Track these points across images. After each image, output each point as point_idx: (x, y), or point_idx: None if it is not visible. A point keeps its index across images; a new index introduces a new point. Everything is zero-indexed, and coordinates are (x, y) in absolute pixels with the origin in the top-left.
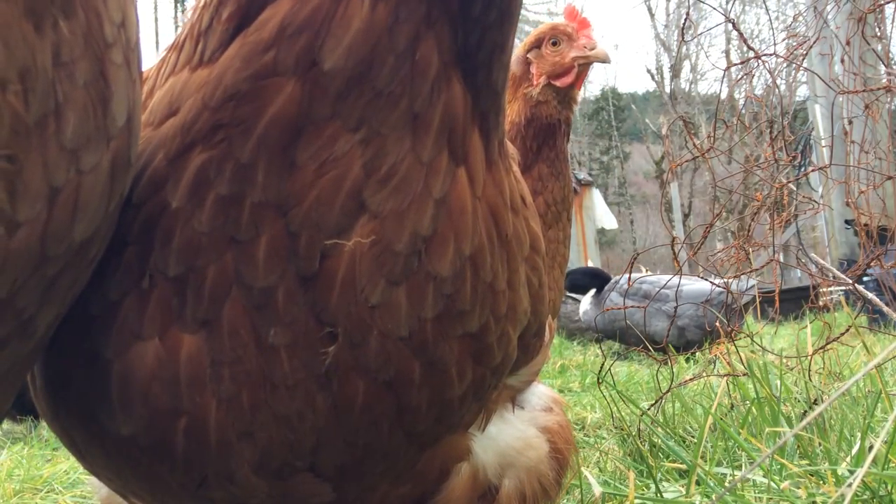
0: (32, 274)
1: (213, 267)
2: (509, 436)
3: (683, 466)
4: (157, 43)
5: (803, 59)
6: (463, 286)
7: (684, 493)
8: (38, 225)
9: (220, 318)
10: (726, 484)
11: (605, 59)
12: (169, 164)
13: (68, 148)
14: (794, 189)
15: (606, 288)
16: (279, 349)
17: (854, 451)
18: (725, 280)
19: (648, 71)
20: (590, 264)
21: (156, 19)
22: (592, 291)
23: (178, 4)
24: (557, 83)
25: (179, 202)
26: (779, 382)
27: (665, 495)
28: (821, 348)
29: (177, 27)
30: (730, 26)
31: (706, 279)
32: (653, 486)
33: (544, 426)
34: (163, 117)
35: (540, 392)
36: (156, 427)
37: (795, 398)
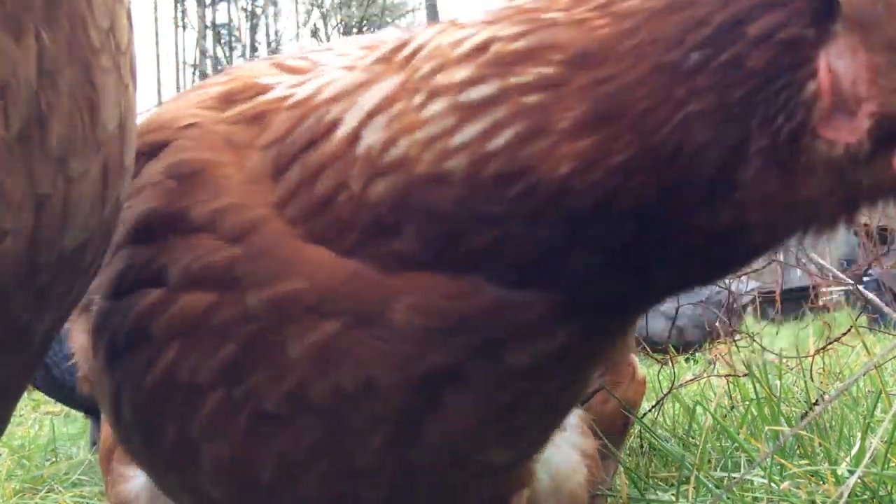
0: (23, 282)
1: (319, 432)
2: (559, 460)
3: (680, 473)
4: (157, 43)
5: None
6: None
7: (677, 498)
8: (24, 234)
9: (313, 468)
10: (724, 484)
11: None
12: (301, 307)
13: (54, 156)
14: None
15: None
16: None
17: (854, 451)
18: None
19: None
20: None
21: (156, 19)
22: None
23: (178, 4)
24: None
25: (298, 356)
26: (779, 382)
27: (664, 497)
28: (821, 349)
29: (177, 27)
30: None
31: None
32: (650, 491)
33: (583, 450)
34: None
35: (576, 412)
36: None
37: (795, 398)
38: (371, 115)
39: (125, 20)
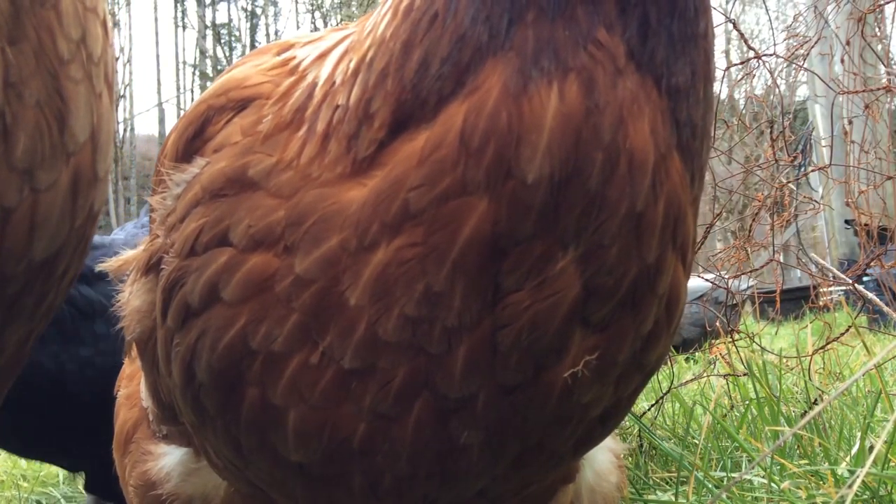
0: None
1: (401, 370)
2: (600, 459)
3: (679, 473)
4: (156, 43)
5: (804, 60)
6: (658, 363)
7: (676, 498)
8: None
9: (406, 416)
10: (724, 484)
11: None
12: (346, 252)
13: (19, 168)
14: (795, 189)
15: None
16: (470, 446)
17: (854, 451)
18: (719, 274)
19: None
20: None
21: (156, 19)
22: None
23: (178, 4)
24: None
25: (358, 301)
26: (778, 382)
27: (663, 497)
28: (821, 348)
29: (177, 27)
30: (730, 26)
31: (702, 277)
32: (650, 491)
33: (617, 453)
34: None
35: None
36: (329, 468)
37: (795, 398)
38: (335, 68)
39: (99, 29)
